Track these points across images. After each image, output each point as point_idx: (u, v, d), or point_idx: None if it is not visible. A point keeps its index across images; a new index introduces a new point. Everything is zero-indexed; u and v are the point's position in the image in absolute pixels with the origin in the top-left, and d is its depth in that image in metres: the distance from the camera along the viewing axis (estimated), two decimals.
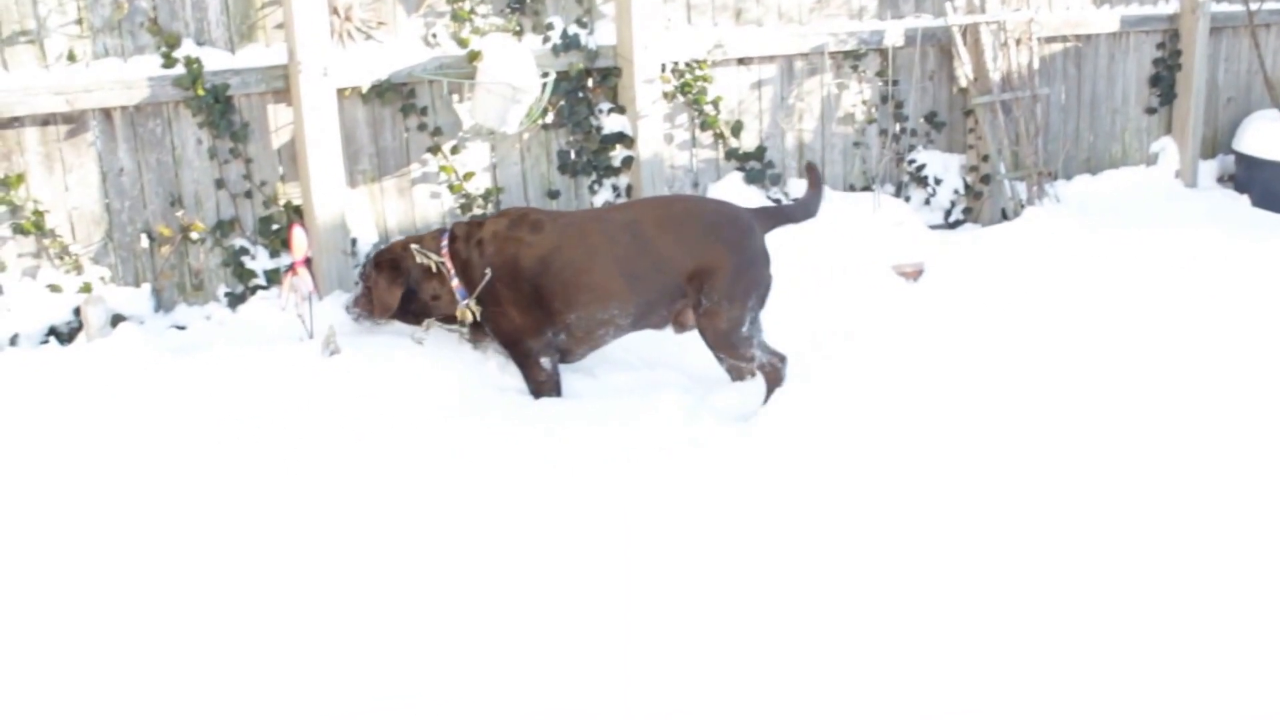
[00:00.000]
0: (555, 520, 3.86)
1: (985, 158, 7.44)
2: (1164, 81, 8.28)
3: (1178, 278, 6.35)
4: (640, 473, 4.17)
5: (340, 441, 4.34)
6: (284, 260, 5.46)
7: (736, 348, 4.91)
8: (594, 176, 6.28)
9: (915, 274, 6.65)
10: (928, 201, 7.44)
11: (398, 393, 4.75)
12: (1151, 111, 8.32)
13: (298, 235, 5.02)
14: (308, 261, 5.15)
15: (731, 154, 6.68)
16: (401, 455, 4.26)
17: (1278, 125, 8.14)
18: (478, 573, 3.56)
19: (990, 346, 5.54)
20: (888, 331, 5.74)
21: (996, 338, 5.68)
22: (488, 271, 4.87)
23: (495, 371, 5.09)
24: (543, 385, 4.97)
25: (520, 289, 4.89)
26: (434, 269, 4.97)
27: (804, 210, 5.25)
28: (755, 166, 6.75)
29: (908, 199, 7.30)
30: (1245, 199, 8.28)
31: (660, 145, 6.31)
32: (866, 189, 7.20)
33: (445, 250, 4.98)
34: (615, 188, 6.34)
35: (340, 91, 5.49)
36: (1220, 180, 8.65)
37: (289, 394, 4.60)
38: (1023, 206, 7.39)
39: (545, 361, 4.96)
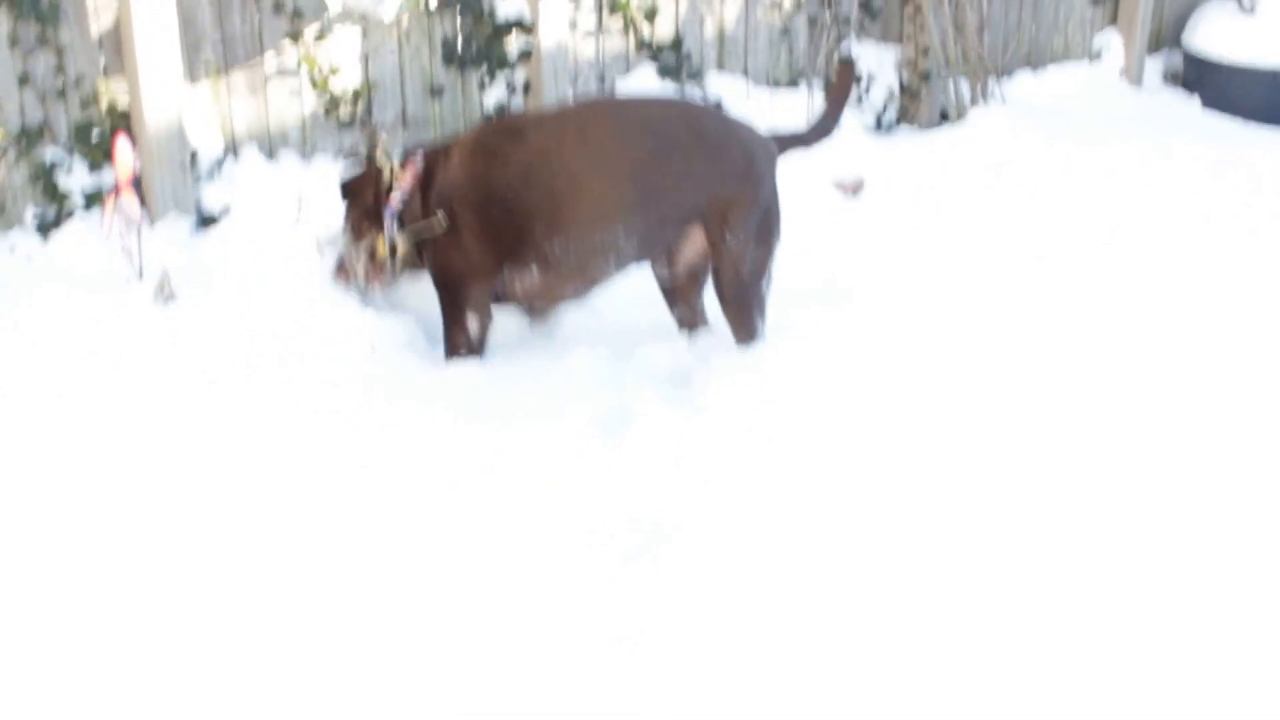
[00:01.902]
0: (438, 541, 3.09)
1: (925, 51, 6.64)
2: None
3: (1142, 208, 5.72)
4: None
5: (171, 438, 3.48)
6: (107, 177, 4.47)
7: (749, 306, 4.11)
8: (485, 69, 5.36)
9: (855, 188, 5.92)
10: (859, 100, 6.65)
11: (256, 356, 3.87)
12: (1097, 1, 7.58)
13: (122, 148, 4.06)
14: (136, 182, 4.19)
15: (644, 44, 5.80)
16: (252, 458, 3.42)
17: (1235, 21, 7.47)
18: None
19: (954, 291, 4.83)
20: (834, 268, 5.00)
21: (958, 277, 4.98)
22: (440, 214, 4.03)
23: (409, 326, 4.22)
24: (460, 348, 4.14)
25: (487, 211, 3.99)
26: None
27: (820, 130, 4.45)
28: (671, 59, 5.88)
29: None
30: (1196, 100, 7.63)
31: (564, 34, 5.39)
32: (793, 84, 6.38)
33: (414, 168, 4.11)
34: (510, 84, 5.43)
35: None
36: (1166, 79, 7.97)
37: (107, 360, 3.71)
38: (966, 108, 6.65)
39: (475, 319, 4.12)
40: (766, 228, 4.07)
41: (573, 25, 5.52)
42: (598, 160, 3.94)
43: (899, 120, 6.77)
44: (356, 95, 5.04)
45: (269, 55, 4.84)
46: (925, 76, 6.69)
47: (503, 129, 4.11)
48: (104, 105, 4.51)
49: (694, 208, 4.01)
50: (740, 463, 3.49)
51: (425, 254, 4.11)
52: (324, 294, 4.23)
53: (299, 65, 4.90)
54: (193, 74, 4.69)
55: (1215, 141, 6.69)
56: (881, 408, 3.76)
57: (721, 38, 6.08)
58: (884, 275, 5.04)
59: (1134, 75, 7.70)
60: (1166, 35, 8.01)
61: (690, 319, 4.35)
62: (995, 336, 4.31)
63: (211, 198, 4.67)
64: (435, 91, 5.27)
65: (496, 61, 5.35)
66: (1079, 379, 4.00)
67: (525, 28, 5.31)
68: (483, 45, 5.31)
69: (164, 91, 4.46)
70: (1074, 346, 4.25)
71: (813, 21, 6.34)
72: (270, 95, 4.89)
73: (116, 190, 4.11)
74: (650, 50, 5.81)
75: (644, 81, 5.80)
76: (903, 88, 6.73)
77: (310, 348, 3.99)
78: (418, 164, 4.08)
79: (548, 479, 3.40)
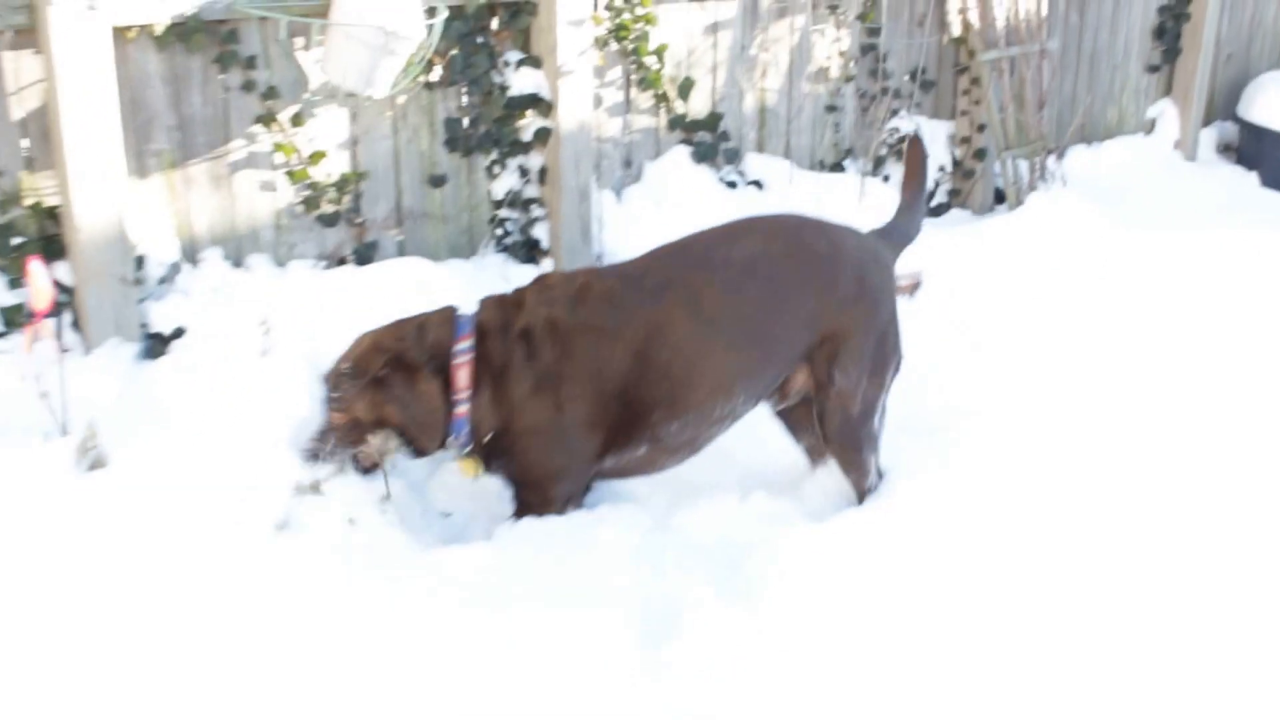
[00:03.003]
0: None
1: (981, 128, 5.86)
2: (1169, 33, 6.81)
3: (1221, 306, 5.02)
4: None
5: (91, 656, 2.54)
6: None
7: (860, 447, 3.38)
8: (495, 155, 4.48)
9: (913, 287, 5.09)
10: None
11: (204, 536, 2.92)
12: (1154, 69, 6.86)
13: (35, 273, 3.12)
14: (58, 309, 3.26)
15: (677, 122, 4.96)
16: (208, 668, 2.49)
17: None
18: None
19: (1048, 417, 4.03)
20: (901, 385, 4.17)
21: (1046, 398, 4.21)
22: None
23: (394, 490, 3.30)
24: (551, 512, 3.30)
25: (600, 403, 3.16)
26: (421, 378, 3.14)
27: (916, 222, 3.73)
28: (706, 139, 5.05)
29: (886, 179, 5.69)
30: (1254, 177, 6.97)
31: (587, 111, 4.53)
32: (837, 166, 5.57)
33: (467, 355, 3.16)
34: (524, 170, 4.56)
35: (120, 31, 3.59)
36: (1219, 150, 7.28)
37: (19, 544, 2.76)
38: (1024, 190, 5.86)
39: (569, 501, 3.30)
40: (881, 357, 3.37)
41: (597, 102, 4.66)
42: (711, 328, 3.19)
43: (949, 202, 5.98)
44: (343, 186, 4.14)
45: (236, 142, 3.94)
46: (980, 155, 5.91)
47: (587, 293, 3.22)
48: (28, 204, 3.58)
49: (802, 349, 3.31)
50: (811, 678, 2.67)
51: (496, 455, 3.26)
52: (295, 448, 3.29)
53: (273, 152, 4.00)
54: (142, 166, 3.78)
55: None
56: (1002, 596, 2.92)
57: (762, 114, 5.25)
58: (964, 397, 4.23)
59: (1189, 149, 7.04)
60: (1219, 106, 7.33)
61: (821, 449, 3.52)
62: (1119, 481, 3.52)
63: (161, 317, 3.75)
64: (436, 181, 4.38)
65: (508, 145, 4.48)
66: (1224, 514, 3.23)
67: (542, 105, 4.44)
68: (492, 126, 4.43)
69: (102, 187, 3.55)
70: (1203, 470, 3.53)
71: (861, 95, 5.53)
72: (237, 188, 3.99)
73: (34, 320, 3.17)
74: (684, 128, 4.96)
75: (676, 166, 4.95)
76: (956, 165, 5.95)
77: (275, 513, 3.05)
78: (467, 350, 3.17)
79: (572, 693, 2.56)
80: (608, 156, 4.82)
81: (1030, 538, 3.22)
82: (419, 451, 3.22)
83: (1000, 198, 6.07)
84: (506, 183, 4.53)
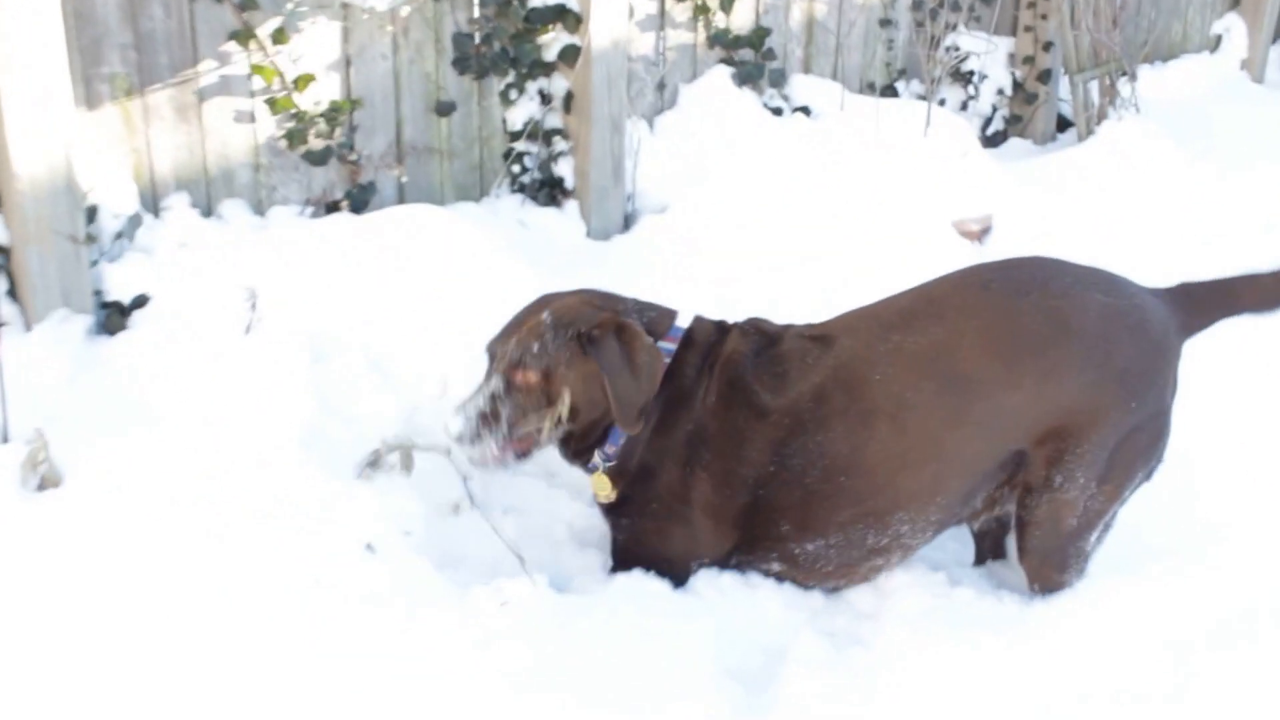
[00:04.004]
0: None
1: (1047, 45, 5.20)
2: None
3: None
4: None
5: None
6: None
7: (1065, 566, 2.58)
8: (512, 78, 3.80)
9: (981, 232, 4.47)
10: (964, 106, 5.21)
11: (184, 577, 2.30)
12: None
13: None
14: None
15: (718, 38, 4.29)
16: None
17: None
18: None
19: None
20: None
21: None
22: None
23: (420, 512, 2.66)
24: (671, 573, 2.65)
25: (735, 481, 2.55)
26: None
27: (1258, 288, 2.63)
28: (749, 57, 4.37)
29: (942, 102, 5.03)
30: None
31: (621, 25, 3.84)
32: (889, 88, 4.92)
33: (666, 358, 2.58)
34: (545, 96, 3.88)
35: None
36: None
37: None
38: (1095, 118, 5.23)
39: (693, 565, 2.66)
40: (1127, 461, 2.53)
41: (630, 14, 3.96)
42: (868, 429, 2.48)
43: (1006, 131, 5.34)
44: (333, 116, 3.46)
45: (206, 64, 3.24)
46: (1045, 77, 5.26)
47: (789, 347, 2.58)
48: None
49: (1008, 457, 2.53)
50: None
51: (619, 503, 2.64)
52: (296, 449, 2.66)
53: (250, 75, 3.30)
54: (90, 94, 3.07)
55: None
56: None
57: (810, 29, 4.58)
58: None
59: (1257, 70, 6.42)
60: None
61: (999, 544, 2.86)
62: None
63: (119, 282, 3.08)
64: (443, 109, 3.71)
65: (528, 65, 3.79)
66: None
67: (569, 17, 3.76)
68: (509, 43, 3.75)
69: (42, 121, 2.85)
70: None
71: (916, 7, 4.84)
72: (208, 119, 3.30)
73: None
74: (725, 45, 4.28)
75: (715, 90, 4.28)
76: (1017, 88, 5.30)
77: (272, 545, 2.42)
78: (668, 352, 2.57)
79: None
80: (639, 79, 4.15)
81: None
82: (579, 442, 2.60)
83: (1063, 125, 5.45)
84: (525, 111, 3.87)
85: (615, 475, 2.61)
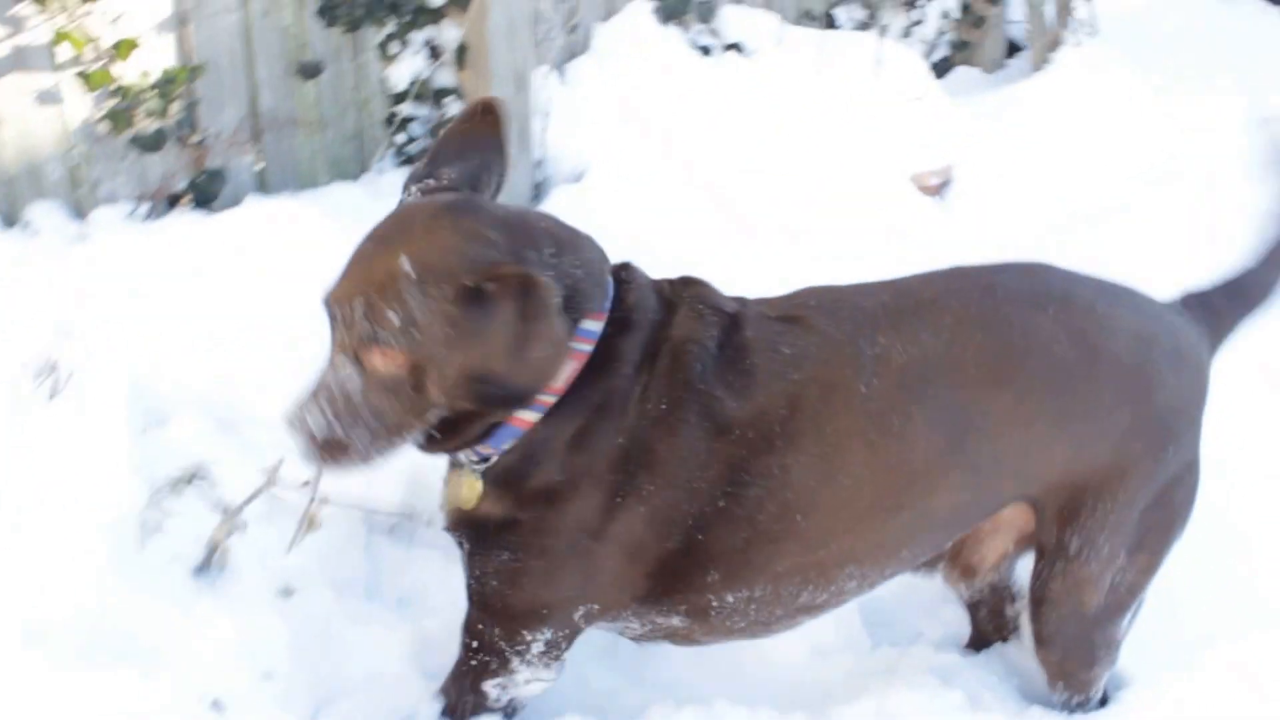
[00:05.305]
0: None
1: None
2: None
3: None
4: None
5: None
6: None
7: (1092, 660, 2.12)
8: (392, 28, 3.15)
9: (939, 187, 3.98)
10: (907, 33, 4.65)
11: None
12: None
13: None
14: None
15: None
16: None
17: None
18: None
19: None
20: None
21: None
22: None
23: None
24: (468, 707, 2.00)
25: (674, 517, 1.90)
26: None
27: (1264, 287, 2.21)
28: None
29: (884, 29, 4.45)
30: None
31: None
32: (828, 16, 4.33)
33: (587, 343, 1.86)
34: (434, 48, 3.25)
35: None
36: None
37: None
38: (1051, 42, 4.72)
39: (516, 678, 1.99)
40: (1163, 521, 2.08)
41: None
42: (827, 467, 1.90)
43: (951, 58, 4.82)
44: (167, 89, 2.79)
45: None
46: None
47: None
48: None
49: (999, 501, 2.05)
50: None
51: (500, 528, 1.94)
52: (115, 561, 2.04)
53: (54, 45, 2.61)
54: None
55: None
56: None
57: None
58: None
59: None
60: None
61: (1002, 629, 2.37)
62: None
63: None
64: (308, 70, 3.06)
65: (410, 11, 3.14)
66: None
67: None
68: None
69: None
70: None
71: None
72: (2, 105, 2.60)
73: None
74: None
75: (634, 28, 3.67)
76: (965, 11, 4.76)
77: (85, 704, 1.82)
78: (589, 334, 1.87)
79: None
80: (545, 19, 3.50)
81: None
82: (450, 437, 1.87)
83: (1011, 50, 4.93)
84: (409, 67, 3.31)
85: (499, 489, 1.91)
